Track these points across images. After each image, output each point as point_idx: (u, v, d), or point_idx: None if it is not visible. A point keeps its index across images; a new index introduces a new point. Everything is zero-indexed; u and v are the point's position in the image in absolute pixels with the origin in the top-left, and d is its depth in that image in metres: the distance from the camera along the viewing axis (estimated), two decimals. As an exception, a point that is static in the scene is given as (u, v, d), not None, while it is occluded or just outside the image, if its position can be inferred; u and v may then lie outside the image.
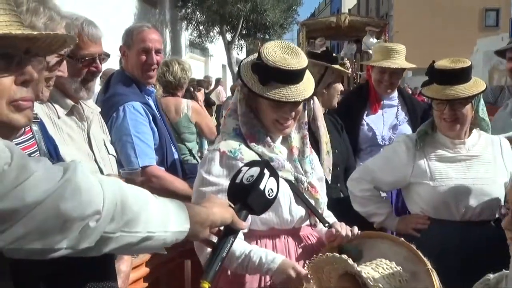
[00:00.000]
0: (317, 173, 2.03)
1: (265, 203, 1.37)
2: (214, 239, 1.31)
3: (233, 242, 1.30)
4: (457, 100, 2.34)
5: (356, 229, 1.89)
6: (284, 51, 1.78)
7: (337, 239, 1.85)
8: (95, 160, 2.00)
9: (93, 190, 0.99)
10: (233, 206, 1.32)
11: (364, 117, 3.32)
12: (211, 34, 18.03)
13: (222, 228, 1.30)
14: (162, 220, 1.12)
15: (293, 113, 1.84)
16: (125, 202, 1.05)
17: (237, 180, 1.37)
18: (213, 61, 20.16)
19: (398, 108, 3.41)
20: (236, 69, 17.68)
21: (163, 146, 2.65)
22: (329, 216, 2.07)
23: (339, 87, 2.83)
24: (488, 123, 2.53)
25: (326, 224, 1.91)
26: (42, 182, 0.93)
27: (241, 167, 1.41)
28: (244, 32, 18.48)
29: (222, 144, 1.82)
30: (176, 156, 2.80)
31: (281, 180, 1.53)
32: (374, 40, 12.33)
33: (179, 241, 1.16)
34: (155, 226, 1.09)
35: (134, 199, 1.08)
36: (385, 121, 3.34)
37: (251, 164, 1.42)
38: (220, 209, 1.26)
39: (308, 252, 1.89)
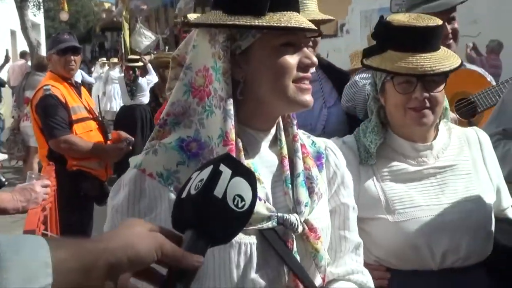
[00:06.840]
0: (338, 198, 1.74)
1: (231, 220, 1.21)
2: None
3: None
4: (431, 77, 2.14)
5: None
6: None
7: None
8: None
9: None
10: (180, 234, 1.21)
11: None
12: (-9, -15, 17.90)
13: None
14: None
15: (314, 60, 1.59)
16: None
17: (183, 195, 1.24)
18: (-4, 25, 20.12)
19: (321, 84, 3.23)
20: (33, 36, 17.53)
21: None
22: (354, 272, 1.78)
23: None
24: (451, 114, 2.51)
25: None
26: None
27: (192, 174, 1.29)
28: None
29: (147, 160, 1.56)
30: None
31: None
32: None
33: None
34: None
35: None
36: None
37: (205, 165, 1.28)
38: (132, 239, 1.14)
39: None
